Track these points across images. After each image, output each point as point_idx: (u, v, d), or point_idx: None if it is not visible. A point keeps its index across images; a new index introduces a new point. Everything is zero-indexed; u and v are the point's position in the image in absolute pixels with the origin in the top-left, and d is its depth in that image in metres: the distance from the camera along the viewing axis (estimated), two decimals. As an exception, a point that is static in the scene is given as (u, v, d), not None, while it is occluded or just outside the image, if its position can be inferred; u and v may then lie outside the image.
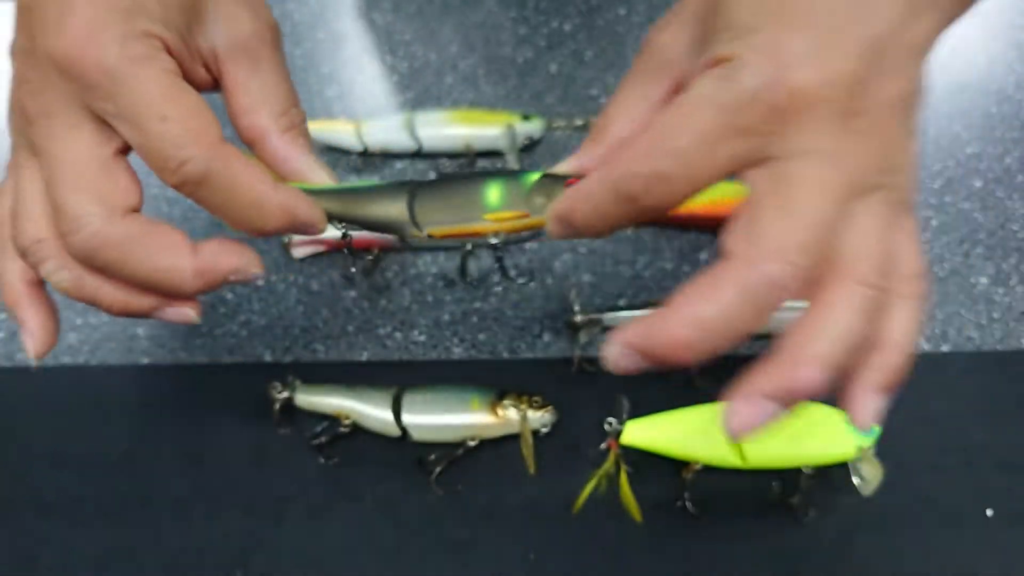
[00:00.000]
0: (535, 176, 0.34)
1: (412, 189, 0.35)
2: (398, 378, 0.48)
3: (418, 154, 0.58)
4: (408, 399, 0.45)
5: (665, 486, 0.44)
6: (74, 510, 0.45)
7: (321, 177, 0.34)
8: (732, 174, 0.28)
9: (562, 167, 0.34)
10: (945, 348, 0.48)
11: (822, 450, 0.43)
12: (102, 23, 0.28)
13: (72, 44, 0.28)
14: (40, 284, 0.35)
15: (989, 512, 0.42)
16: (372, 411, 0.45)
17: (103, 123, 0.30)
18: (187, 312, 0.34)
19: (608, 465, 0.44)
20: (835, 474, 0.44)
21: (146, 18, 0.29)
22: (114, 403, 0.48)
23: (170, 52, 0.30)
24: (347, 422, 0.45)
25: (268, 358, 0.50)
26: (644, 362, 0.29)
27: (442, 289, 0.52)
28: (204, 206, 0.31)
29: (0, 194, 0.34)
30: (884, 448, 0.43)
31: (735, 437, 0.29)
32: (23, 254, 0.32)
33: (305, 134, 0.35)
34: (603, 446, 0.45)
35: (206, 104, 0.31)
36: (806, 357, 0.28)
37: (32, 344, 0.35)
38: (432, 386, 0.46)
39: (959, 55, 0.62)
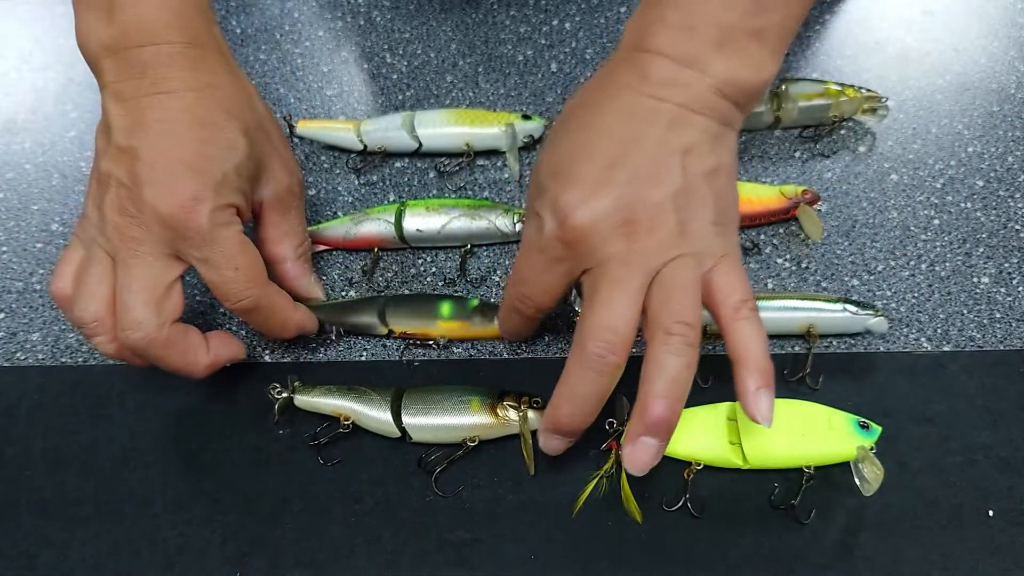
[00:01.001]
0: (475, 302, 0.50)
1: (382, 301, 0.50)
2: (398, 378, 0.48)
3: (417, 153, 0.58)
4: (408, 399, 0.45)
5: (665, 486, 0.44)
6: (74, 510, 0.45)
7: (318, 293, 0.50)
8: (570, 284, 0.41)
9: None
10: (946, 348, 0.48)
11: (822, 450, 0.43)
12: (202, 196, 0.40)
13: (179, 208, 0.39)
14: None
15: (990, 512, 0.42)
16: (372, 412, 0.45)
17: (175, 258, 0.41)
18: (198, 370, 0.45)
19: (608, 465, 0.44)
20: (835, 474, 0.44)
21: (230, 191, 0.41)
22: (114, 403, 0.48)
23: (239, 213, 0.43)
24: (347, 422, 0.45)
25: (268, 358, 0.50)
26: (562, 437, 0.42)
27: (442, 289, 0.52)
28: (248, 323, 0.47)
29: (65, 261, 0.44)
30: (884, 448, 0.43)
31: (637, 474, 0.39)
32: (79, 325, 0.42)
33: (310, 260, 0.50)
34: (604, 446, 0.45)
35: (260, 256, 0.43)
36: (651, 397, 0.37)
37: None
38: (432, 386, 0.46)
39: (961, 54, 0.62)
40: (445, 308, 0.49)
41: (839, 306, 0.47)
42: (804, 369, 0.47)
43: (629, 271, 0.38)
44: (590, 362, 0.38)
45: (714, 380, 0.47)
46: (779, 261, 0.53)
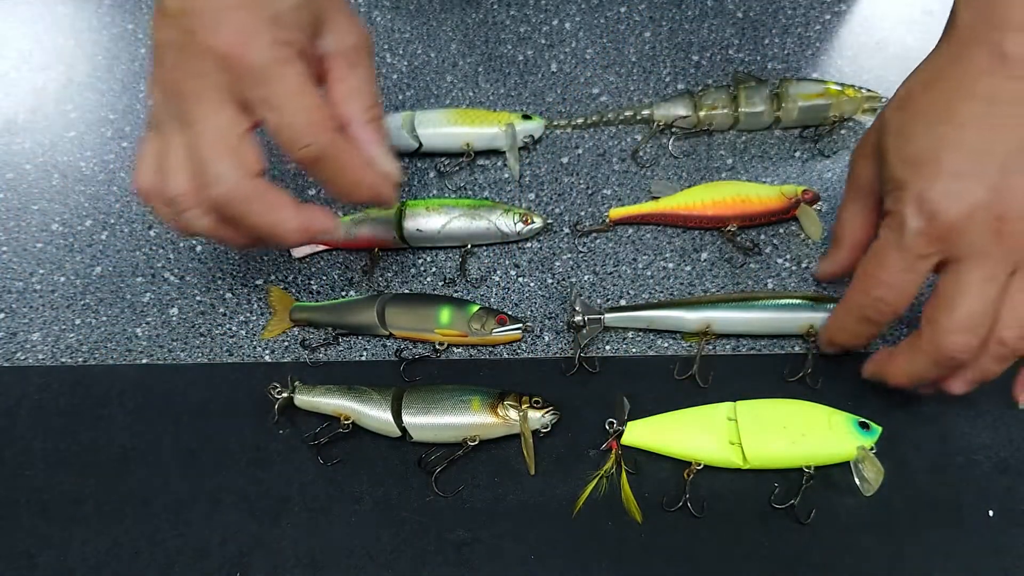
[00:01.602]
0: (475, 308, 0.49)
1: (382, 301, 0.50)
2: (398, 378, 0.48)
3: (417, 153, 0.58)
4: (408, 399, 0.45)
5: (665, 486, 0.44)
6: (74, 510, 0.45)
7: (391, 167, 0.43)
8: (923, 283, 0.40)
9: (820, 269, 0.50)
10: (946, 348, 0.48)
11: (823, 450, 0.43)
12: (255, 29, 0.37)
13: (233, 43, 0.37)
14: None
15: (990, 512, 0.42)
16: (372, 411, 0.45)
17: (242, 107, 0.38)
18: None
19: (609, 465, 0.44)
20: (835, 474, 0.44)
21: (285, 27, 0.38)
22: (114, 403, 0.48)
23: (301, 57, 0.39)
24: (347, 422, 0.45)
25: (268, 358, 0.50)
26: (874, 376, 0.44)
27: (442, 289, 0.52)
28: (315, 178, 0.41)
29: (141, 157, 0.41)
30: (884, 448, 0.43)
31: None
32: (168, 203, 0.40)
33: (382, 128, 0.44)
34: (604, 446, 0.45)
35: (324, 102, 0.40)
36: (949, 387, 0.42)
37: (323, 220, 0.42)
38: (432, 386, 0.46)
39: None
40: (444, 315, 0.49)
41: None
42: (805, 369, 0.47)
43: (995, 267, 0.38)
44: (941, 358, 0.39)
45: (711, 379, 0.47)
46: (779, 261, 0.53)
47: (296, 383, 0.46)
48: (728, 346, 0.49)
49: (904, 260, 0.39)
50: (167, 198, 0.40)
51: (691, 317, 0.48)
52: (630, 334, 0.50)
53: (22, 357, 0.51)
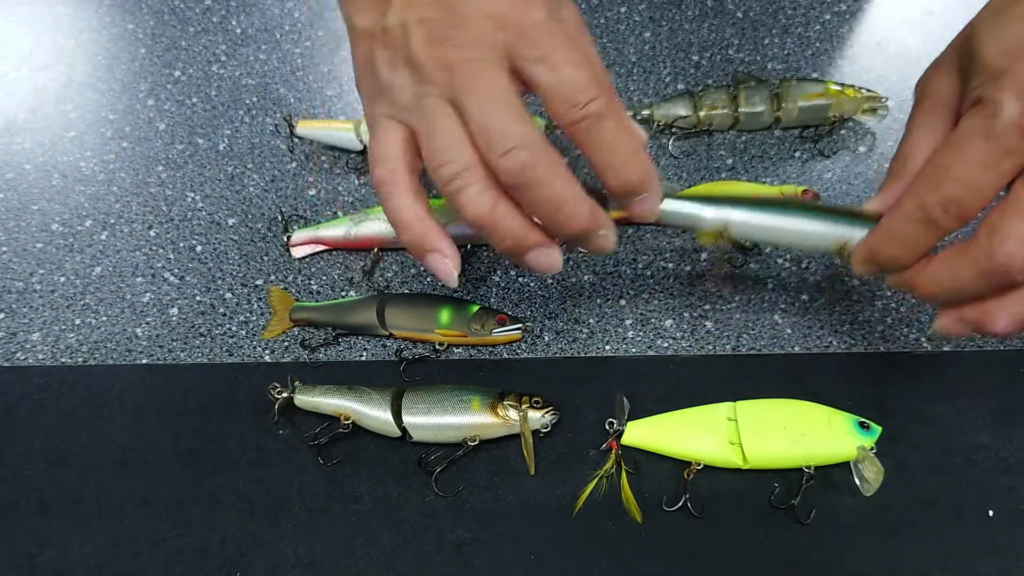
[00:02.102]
0: (475, 308, 0.49)
1: (382, 301, 0.50)
2: (398, 378, 0.48)
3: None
4: (408, 399, 0.45)
5: (665, 486, 0.44)
6: (74, 510, 0.45)
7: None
8: (1002, 187, 0.35)
9: (871, 204, 0.40)
10: (947, 348, 0.48)
11: (823, 450, 0.43)
12: None
13: (511, 6, 0.35)
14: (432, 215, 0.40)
15: (990, 512, 0.42)
16: (372, 411, 0.45)
17: (513, 72, 0.35)
18: (555, 256, 0.39)
19: (609, 465, 0.44)
20: (835, 474, 0.44)
21: None
22: (114, 403, 0.48)
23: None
24: (347, 422, 0.45)
25: (268, 358, 0.50)
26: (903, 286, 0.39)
27: (442, 289, 0.52)
28: (590, 145, 0.36)
29: (385, 143, 0.38)
30: (884, 448, 0.43)
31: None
32: (446, 183, 0.36)
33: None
34: (604, 446, 0.45)
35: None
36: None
37: (455, 265, 0.40)
38: (432, 386, 0.46)
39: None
40: (444, 315, 0.49)
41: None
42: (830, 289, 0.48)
43: None
44: (993, 269, 0.34)
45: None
46: (779, 261, 0.53)
47: (296, 383, 0.46)
48: (728, 346, 0.49)
49: (988, 153, 0.34)
50: (449, 177, 0.36)
51: (709, 214, 0.42)
52: (630, 334, 0.50)
53: (22, 357, 0.51)
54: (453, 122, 0.36)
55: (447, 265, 0.40)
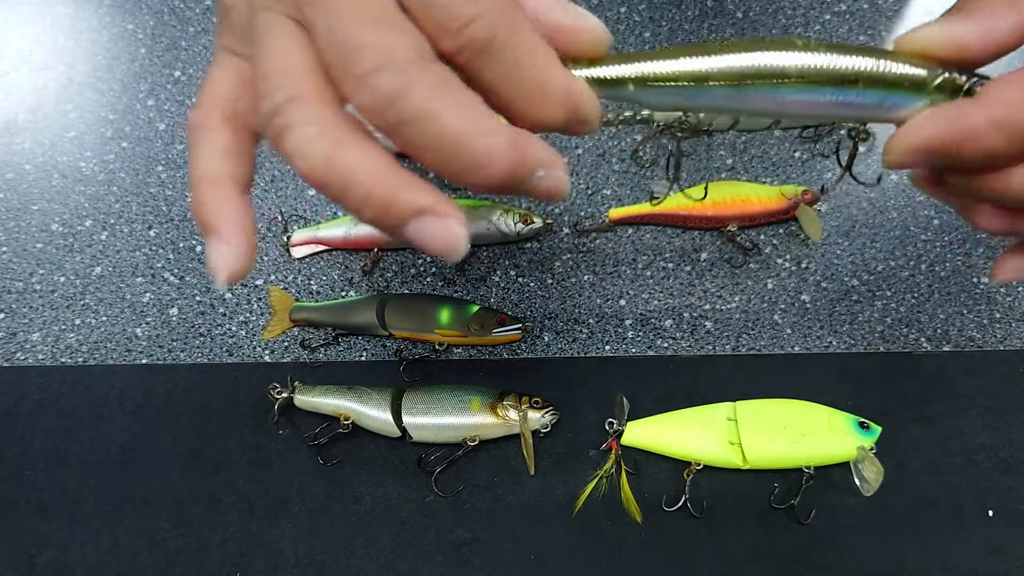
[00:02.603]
0: (475, 308, 0.48)
1: (382, 301, 0.49)
2: (398, 378, 0.48)
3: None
4: (408, 399, 0.45)
5: (665, 486, 0.44)
6: (74, 510, 0.45)
7: (580, 16, 0.27)
8: None
9: (929, 37, 0.27)
10: (946, 348, 0.48)
11: (822, 450, 0.43)
12: None
13: None
14: (246, 189, 0.29)
15: (990, 512, 0.42)
16: (372, 411, 0.45)
17: None
18: (452, 228, 0.25)
19: (609, 465, 0.44)
20: (835, 474, 0.44)
21: None
22: (114, 403, 0.48)
23: None
24: (347, 422, 0.45)
25: (268, 358, 0.50)
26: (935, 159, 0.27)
27: (441, 288, 0.52)
28: (477, 81, 0.25)
29: (210, 80, 0.29)
30: (884, 448, 0.43)
31: None
32: (266, 122, 0.25)
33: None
34: (604, 446, 0.45)
35: None
36: None
37: (231, 261, 0.27)
38: (432, 386, 0.46)
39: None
40: (444, 315, 0.49)
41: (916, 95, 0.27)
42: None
43: None
44: None
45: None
46: (779, 261, 0.53)
47: (296, 383, 0.46)
48: (728, 346, 0.49)
49: None
50: (271, 110, 0.25)
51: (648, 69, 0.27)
52: (630, 334, 0.50)
53: (22, 357, 0.51)
54: (290, 43, 0.25)
55: (223, 256, 0.27)
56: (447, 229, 0.25)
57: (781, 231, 0.54)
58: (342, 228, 0.53)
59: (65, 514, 0.45)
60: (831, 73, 0.26)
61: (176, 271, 0.54)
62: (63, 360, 0.50)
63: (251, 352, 0.50)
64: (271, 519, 0.44)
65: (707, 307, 0.51)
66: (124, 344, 0.51)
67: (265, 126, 0.25)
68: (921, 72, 0.26)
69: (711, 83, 0.27)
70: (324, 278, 0.53)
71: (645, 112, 0.59)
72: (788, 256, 0.53)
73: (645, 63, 0.27)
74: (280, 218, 0.55)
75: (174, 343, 0.51)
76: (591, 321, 0.50)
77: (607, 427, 0.45)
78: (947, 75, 0.27)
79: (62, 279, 0.54)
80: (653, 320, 0.50)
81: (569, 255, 0.53)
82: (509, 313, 0.49)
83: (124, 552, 0.43)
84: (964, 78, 0.27)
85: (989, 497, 0.43)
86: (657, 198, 0.54)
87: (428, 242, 0.25)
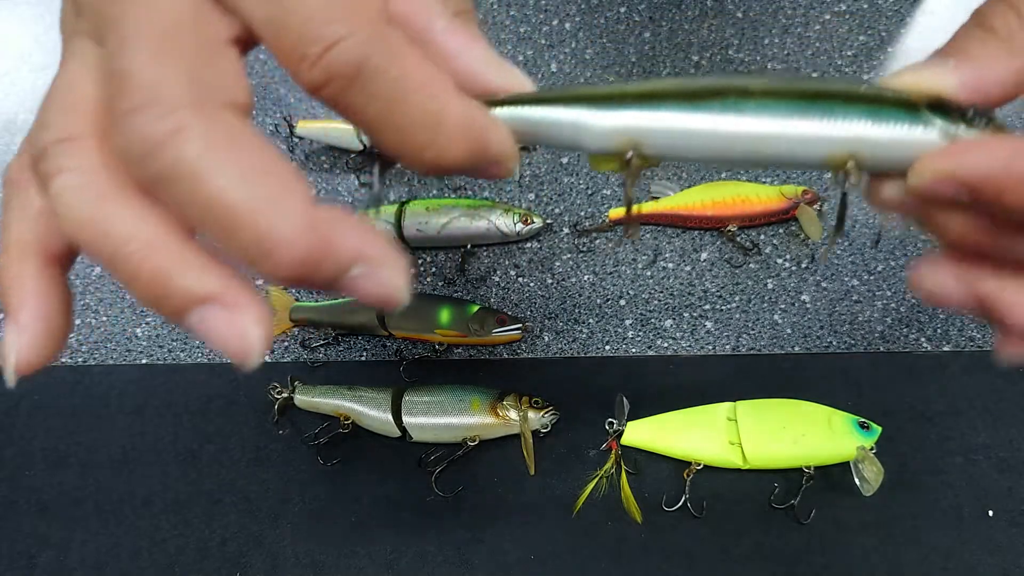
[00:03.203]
0: (475, 308, 0.48)
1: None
2: (398, 378, 0.48)
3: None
4: (408, 399, 0.45)
5: (665, 486, 0.44)
6: (74, 510, 0.45)
7: (512, 76, 0.23)
8: None
9: (945, 76, 0.23)
10: (946, 348, 0.48)
11: (823, 450, 0.43)
12: None
13: None
14: (60, 261, 0.24)
15: (990, 512, 0.42)
16: (372, 411, 0.45)
17: (215, 2, 0.20)
18: (244, 324, 0.20)
19: (609, 465, 0.44)
20: (835, 474, 0.44)
21: None
22: (114, 403, 0.48)
23: None
24: (347, 422, 0.45)
25: (268, 358, 0.50)
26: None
27: (442, 288, 0.52)
28: (353, 119, 0.20)
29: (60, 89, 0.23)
30: (884, 448, 0.43)
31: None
32: (37, 158, 0.21)
33: (478, 25, 0.24)
34: (604, 446, 0.45)
35: None
36: None
37: (23, 351, 0.22)
38: (432, 386, 0.46)
39: (960, 54, 0.62)
40: (444, 315, 0.49)
41: (911, 122, 0.22)
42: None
43: None
44: None
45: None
46: (779, 261, 0.53)
47: (296, 383, 0.46)
48: (728, 346, 0.49)
49: None
50: (39, 149, 0.21)
51: (602, 120, 0.23)
52: (630, 334, 0.50)
53: (22, 357, 0.51)
54: (79, 74, 0.21)
55: (12, 344, 0.22)
56: (235, 326, 0.19)
57: (781, 231, 0.54)
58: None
59: (65, 514, 0.45)
60: (802, 88, 0.23)
61: (176, 271, 0.54)
62: (63, 360, 0.50)
63: (251, 352, 0.50)
64: (271, 519, 0.44)
65: (707, 307, 0.51)
66: (124, 344, 0.51)
67: (35, 169, 0.21)
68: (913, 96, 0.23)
69: (664, 108, 0.23)
70: (324, 278, 0.53)
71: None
72: (788, 256, 0.53)
73: (581, 103, 0.23)
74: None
75: (174, 343, 0.51)
76: (591, 321, 0.50)
77: (607, 427, 0.45)
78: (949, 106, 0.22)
79: (62, 279, 0.54)
80: (653, 320, 0.50)
81: (569, 255, 0.53)
82: (509, 313, 0.49)
83: (124, 552, 0.43)
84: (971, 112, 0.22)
85: (989, 497, 0.43)
86: (656, 198, 0.54)
87: (213, 342, 0.20)
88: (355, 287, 0.20)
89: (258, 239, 0.18)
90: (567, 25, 0.65)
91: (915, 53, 0.62)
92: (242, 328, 0.19)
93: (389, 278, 0.20)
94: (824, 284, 0.51)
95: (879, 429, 0.43)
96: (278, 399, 0.46)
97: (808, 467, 0.43)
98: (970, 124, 0.22)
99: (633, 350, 0.49)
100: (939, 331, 0.49)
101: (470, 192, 0.57)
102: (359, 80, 0.19)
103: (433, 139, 0.20)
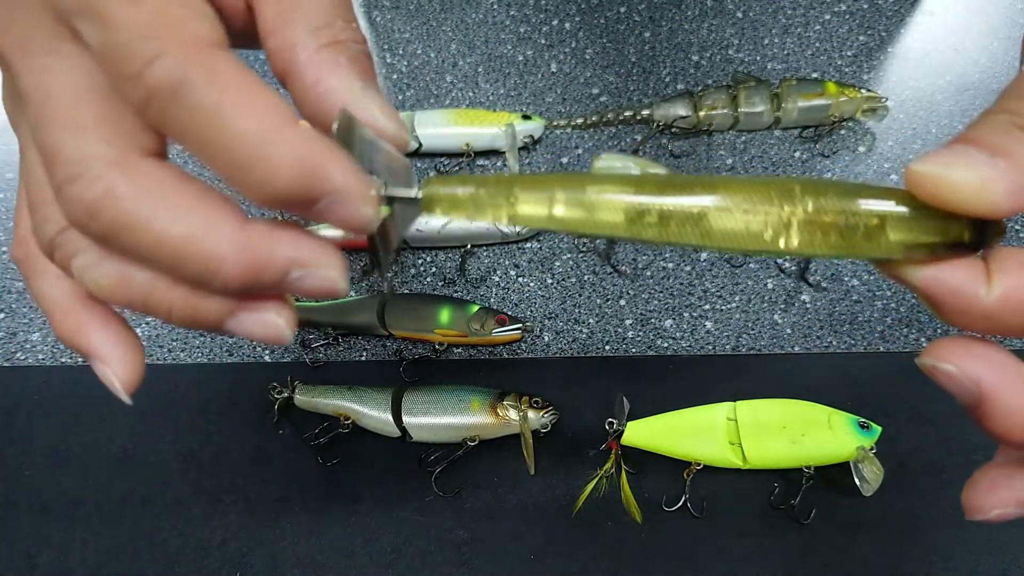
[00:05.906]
0: (475, 308, 0.48)
1: (382, 302, 0.49)
2: (398, 378, 0.48)
3: (417, 153, 0.58)
4: (408, 399, 0.45)
5: (665, 486, 0.44)
6: (74, 510, 0.45)
7: (371, 106, 0.23)
8: None
9: (990, 180, 0.20)
10: (946, 348, 0.48)
11: (823, 450, 0.43)
12: None
13: None
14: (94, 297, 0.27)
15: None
16: (372, 411, 0.45)
17: (68, 36, 0.21)
18: (272, 320, 0.23)
19: (609, 465, 0.44)
20: (835, 474, 0.44)
21: None
22: (114, 403, 0.48)
23: None
24: (347, 422, 0.45)
25: (268, 358, 0.50)
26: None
27: (442, 288, 0.52)
28: (181, 140, 0.20)
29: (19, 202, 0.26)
30: (884, 448, 0.43)
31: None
32: (50, 252, 0.24)
33: (359, 59, 0.23)
34: (604, 446, 0.45)
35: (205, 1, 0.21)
36: None
37: (120, 375, 0.26)
38: (432, 386, 0.46)
39: (961, 55, 0.62)
40: (444, 315, 0.49)
41: None
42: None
43: None
44: None
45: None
46: (779, 261, 0.53)
47: (296, 383, 0.46)
48: (728, 346, 0.49)
49: None
50: (47, 244, 0.24)
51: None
52: (630, 334, 0.50)
53: (22, 357, 0.51)
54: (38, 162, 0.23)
55: (110, 377, 0.26)
56: (264, 322, 0.24)
57: (781, 231, 0.54)
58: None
59: (65, 514, 0.45)
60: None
61: (176, 271, 0.54)
62: (63, 360, 0.50)
63: (251, 352, 0.50)
64: (271, 519, 0.44)
65: (707, 307, 0.51)
66: (124, 344, 0.51)
67: (49, 259, 0.24)
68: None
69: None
70: (324, 278, 0.53)
71: (645, 112, 0.59)
72: (788, 256, 0.53)
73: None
74: (280, 218, 0.55)
75: (174, 343, 0.51)
76: (591, 321, 0.50)
77: (607, 427, 0.45)
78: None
79: (62, 279, 0.54)
80: (653, 320, 0.50)
81: (569, 255, 0.53)
82: (509, 313, 0.49)
83: (124, 552, 0.43)
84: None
85: (989, 497, 0.43)
86: None
87: (252, 339, 0.24)
88: (299, 287, 0.22)
89: (203, 264, 0.21)
90: (567, 25, 0.65)
91: (915, 53, 0.62)
92: (270, 321, 0.23)
93: (326, 275, 0.22)
94: (824, 284, 0.51)
95: (879, 429, 0.43)
96: (278, 399, 0.46)
97: (808, 467, 0.43)
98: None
99: (633, 350, 0.49)
100: (939, 331, 0.49)
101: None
102: (177, 99, 0.19)
103: (257, 161, 0.19)
